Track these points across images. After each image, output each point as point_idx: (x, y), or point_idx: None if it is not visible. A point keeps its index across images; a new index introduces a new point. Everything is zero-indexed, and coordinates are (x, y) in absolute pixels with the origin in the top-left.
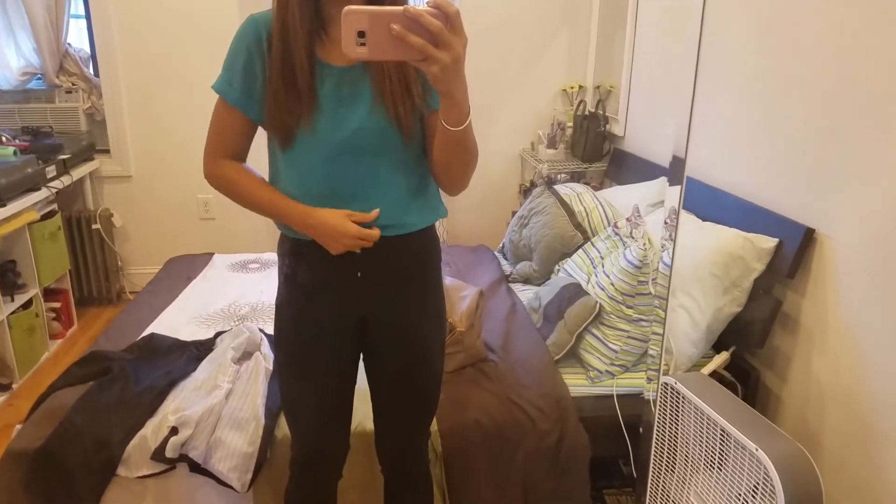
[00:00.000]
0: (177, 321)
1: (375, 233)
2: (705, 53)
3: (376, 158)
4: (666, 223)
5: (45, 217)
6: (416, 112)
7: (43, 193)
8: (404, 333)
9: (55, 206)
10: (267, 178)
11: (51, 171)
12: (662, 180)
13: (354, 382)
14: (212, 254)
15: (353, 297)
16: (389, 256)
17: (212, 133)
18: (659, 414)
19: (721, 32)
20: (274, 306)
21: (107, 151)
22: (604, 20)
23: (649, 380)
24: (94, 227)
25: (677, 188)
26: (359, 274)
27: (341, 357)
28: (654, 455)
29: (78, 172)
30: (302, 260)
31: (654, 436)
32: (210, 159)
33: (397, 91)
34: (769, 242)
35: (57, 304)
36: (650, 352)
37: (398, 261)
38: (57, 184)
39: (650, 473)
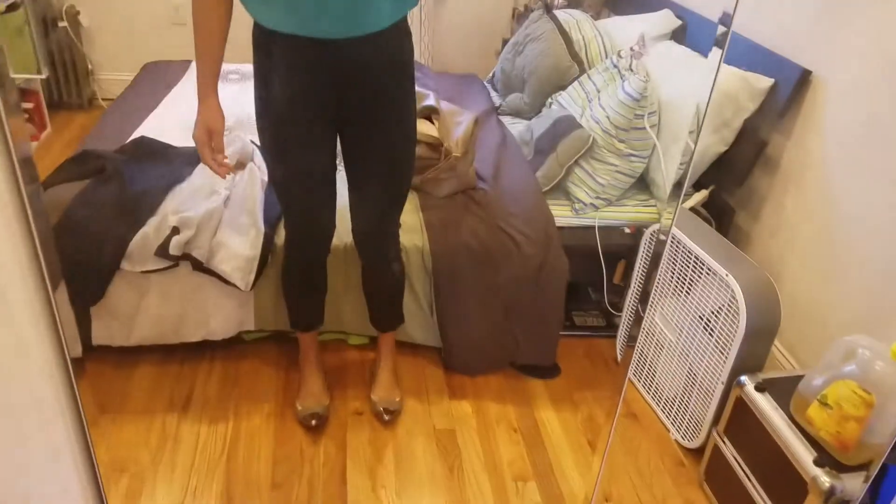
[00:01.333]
0: (163, 126)
1: (222, 170)
2: None
3: None
4: (632, 49)
5: (9, 8)
6: None
7: None
8: (379, 132)
9: None
10: None
11: None
12: (665, 12)
13: (335, 166)
14: (189, 61)
15: (328, 87)
16: (362, 50)
17: None
18: (643, 259)
19: None
20: None
21: None
22: None
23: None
24: (60, 24)
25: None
26: (334, 69)
27: (321, 137)
28: (633, 293)
29: None
30: (275, 49)
31: (635, 276)
32: None
33: None
34: (765, 82)
35: (29, 105)
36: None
37: (372, 54)
38: None
39: (626, 305)
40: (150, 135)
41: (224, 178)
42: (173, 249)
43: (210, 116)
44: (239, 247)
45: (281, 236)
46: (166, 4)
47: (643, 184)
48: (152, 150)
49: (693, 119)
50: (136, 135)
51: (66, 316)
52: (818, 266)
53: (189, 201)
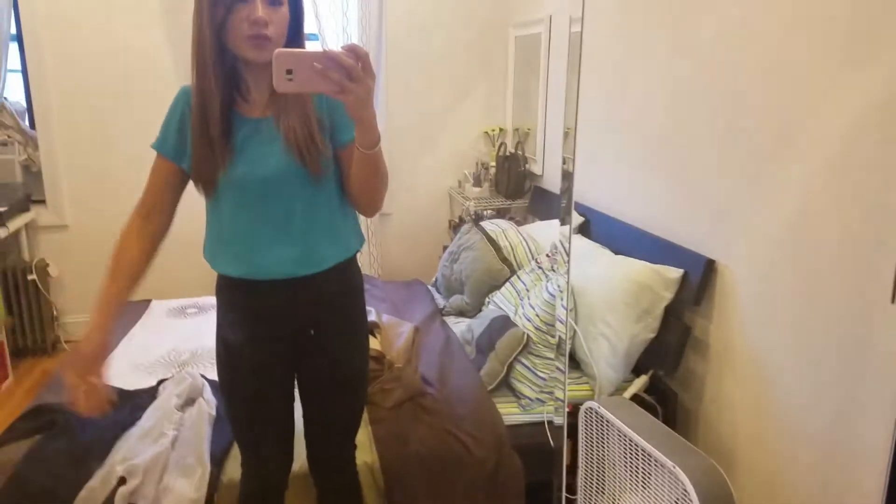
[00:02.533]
0: (119, 370)
1: (80, 406)
2: (613, 99)
3: (290, 196)
4: (548, 255)
5: None
6: (322, 156)
7: None
8: (333, 360)
9: None
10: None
11: None
12: (573, 215)
13: (292, 399)
14: (149, 300)
15: (282, 327)
16: (316, 290)
17: (146, 189)
18: (585, 437)
19: (621, 78)
20: (213, 350)
21: (42, 202)
22: (519, 69)
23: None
24: (29, 277)
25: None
26: (288, 307)
27: (278, 376)
28: (585, 477)
29: (14, 224)
30: (232, 293)
31: (582, 458)
32: (134, 213)
33: (301, 138)
34: (675, 273)
35: None
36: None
37: (322, 293)
38: None
39: (581, 495)
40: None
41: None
42: (118, 502)
43: (68, 360)
44: (185, 490)
45: (228, 474)
46: None
47: (573, 363)
48: None
49: (608, 309)
50: None
51: None
52: (766, 446)
53: (137, 446)
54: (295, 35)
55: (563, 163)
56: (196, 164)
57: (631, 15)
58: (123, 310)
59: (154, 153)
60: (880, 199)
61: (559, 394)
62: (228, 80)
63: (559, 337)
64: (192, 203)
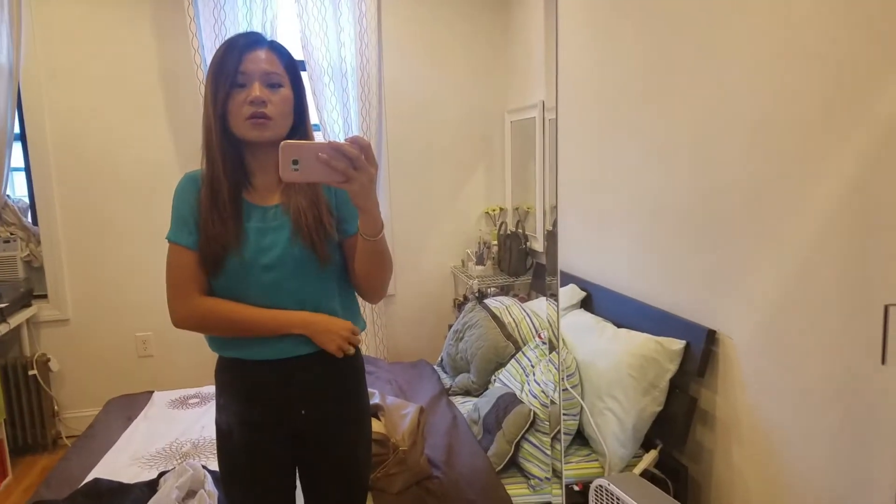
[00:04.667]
0: (119, 463)
1: (358, 339)
2: (605, 175)
3: (298, 283)
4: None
5: None
6: (330, 241)
7: None
8: (334, 444)
9: None
10: None
11: None
12: (571, 287)
13: (293, 486)
14: (151, 391)
15: (283, 410)
16: (315, 373)
17: (175, 279)
18: None
19: (615, 161)
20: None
21: (44, 297)
22: (516, 151)
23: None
24: (30, 373)
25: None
26: (288, 389)
27: (278, 463)
28: None
29: (15, 319)
30: (232, 376)
31: None
32: (181, 302)
33: (312, 224)
34: (677, 344)
35: None
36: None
37: (324, 376)
38: None
39: None
40: (107, 473)
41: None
42: None
43: (331, 319)
44: None
45: None
46: (135, 339)
47: (582, 439)
48: (105, 492)
49: (614, 383)
50: (91, 476)
51: None
52: None
53: None
54: (300, 118)
55: (545, 235)
56: (205, 245)
57: (615, 88)
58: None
59: (166, 245)
60: (879, 253)
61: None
62: (236, 166)
63: (552, 413)
64: None
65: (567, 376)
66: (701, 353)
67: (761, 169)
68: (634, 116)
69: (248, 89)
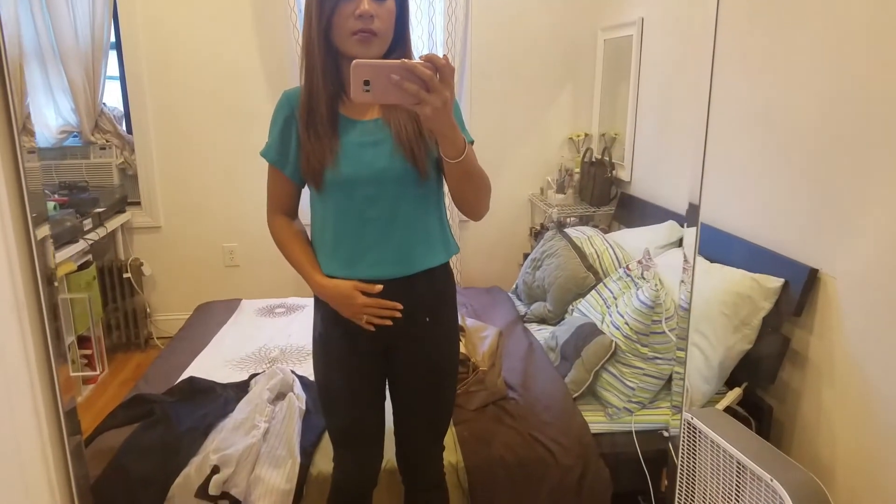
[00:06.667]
0: (212, 364)
1: (380, 303)
2: (704, 99)
3: (397, 199)
4: (639, 262)
5: (81, 267)
6: (430, 155)
7: (80, 245)
8: (425, 359)
9: (90, 256)
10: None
11: (87, 224)
12: (670, 223)
13: (383, 396)
14: (239, 300)
15: (378, 326)
16: (411, 291)
17: (268, 192)
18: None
19: (722, 81)
20: (302, 347)
21: (138, 204)
22: (607, 73)
23: (676, 409)
24: (125, 276)
25: (692, 231)
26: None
27: (371, 371)
28: (677, 490)
29: (111, 224)
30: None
31: (677, 471)
32: (269, 215)
33: (413, 137)
34: (775, 283)
35: (89, 351)
36: (675, 388)
37: (419, 295)
38: (93, 236)
39: None
40: (200, 373)
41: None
42: (212, 489)
43: (338, 292)
44: (276, 480)
45: (317, 466)
46: (222, 249)
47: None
48: (199, 390)
49: (703, 319)
50: (185, 374)
51: None
52: (867, 461)
53: (230, 437)
54: (401, 30)
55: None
56: (305, 160)
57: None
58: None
59: (254, 159)
60: None
61: (677, 398)
62: (336, 80)
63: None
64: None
65: (665, 318)
66: (800, 292)
67: (880, 99)
68: (745, 42)
69: (357, 1)
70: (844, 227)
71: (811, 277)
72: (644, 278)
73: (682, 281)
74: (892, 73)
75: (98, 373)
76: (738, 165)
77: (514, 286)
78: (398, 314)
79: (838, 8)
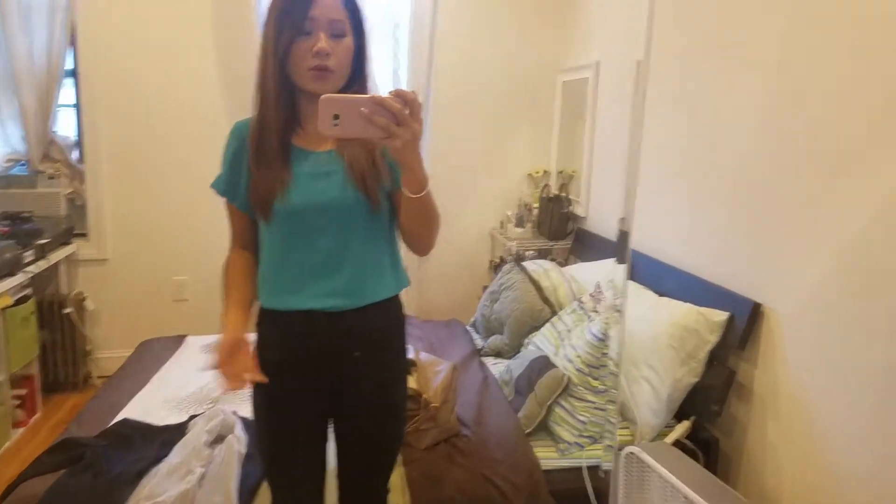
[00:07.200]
0: (149, 405)
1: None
2: (652, 143)
3: (347, 231)
4: (591, 295)
5: (18, 302)
6: (382, 187)
7: (19, 278)
8: (371, 394)
9: (30, 290)
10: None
11: (28, 255)
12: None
13: (325, 437)
14: (184, 335)
15: (323, 361)
16: (359, 324)
17: (229, 224)
18: (625, 482)
19: (662, 119)
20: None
21: (84, 235)
22: (565, 113)
23: (609, 446)
24: (65, 311)
25: (623, 266)
26: (327, 342)
27: (314, 411)
28: None
29: (55, 256)
30: (274, 327)
31: None
32: (230, 248)
33: (366, 168)
34: (720, 316)
35: (23, 392)
36: (606, 425)
37: (367, 328)
38: (33, 268)
39: None
40: (135, 415)
41: (235, 390)
42: None
43: (226, 333)
44: None
45: None
46: (171, 283)
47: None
48: (133, 433)
49: (652, 352)
50: (121, 416)
51: None
52: (813, 494)
53: (164, 483)
54: (358, 67)
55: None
56: (253, 190)
57: (668, 54)
58: (250, 311)
59: (208, 191)
60: None
61: (609, 438)
62: (289, 111)
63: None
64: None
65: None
66: (744, 325)
67: (816, 138)
68: (683, 83)
69: (314, 38)
70: (782, 262)
71: (754, 311)
72: (596, 311)
73: (614, 310)
74: (815, 111)
75: (27, 418)
76: (684, 201)
77: (473, 319)
78: (247, 387)
79: (767, 49)
